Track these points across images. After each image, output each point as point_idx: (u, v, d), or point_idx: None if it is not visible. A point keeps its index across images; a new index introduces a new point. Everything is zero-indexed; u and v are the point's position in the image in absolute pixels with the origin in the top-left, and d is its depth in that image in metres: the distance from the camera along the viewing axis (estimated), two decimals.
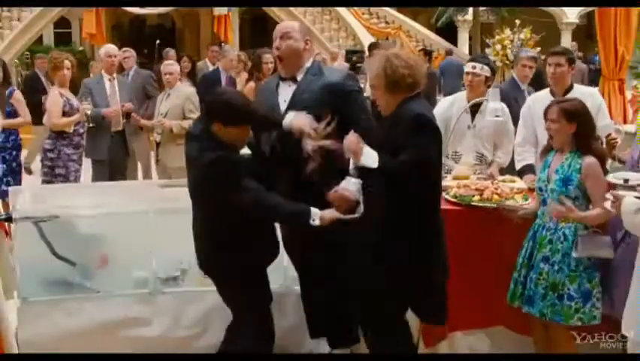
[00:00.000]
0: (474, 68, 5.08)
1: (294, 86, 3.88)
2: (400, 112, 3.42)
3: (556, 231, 3.83)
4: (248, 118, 3.53)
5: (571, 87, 4.88)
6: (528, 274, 3.90)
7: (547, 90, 4.97)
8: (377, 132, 3.61)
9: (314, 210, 3.50)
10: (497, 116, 4.85)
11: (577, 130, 3.84)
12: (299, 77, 3.89)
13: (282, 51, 3.83)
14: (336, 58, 10.96)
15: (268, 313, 3.85)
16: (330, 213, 3.51)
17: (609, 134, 4.57)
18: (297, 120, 3.64)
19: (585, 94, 4.86)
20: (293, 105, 3.80)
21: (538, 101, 4.94)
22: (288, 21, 4.12)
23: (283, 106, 3.86)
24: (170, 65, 7.22)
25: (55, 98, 6.43)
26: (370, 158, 3.33)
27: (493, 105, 4.75)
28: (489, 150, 5.18)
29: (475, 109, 5.10)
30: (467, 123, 5.12)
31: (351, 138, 3.38)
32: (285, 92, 3.90)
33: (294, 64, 3.87)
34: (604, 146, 4.33)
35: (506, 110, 5.07)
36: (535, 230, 3.94)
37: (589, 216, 3.76)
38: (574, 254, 3.77)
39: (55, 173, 6.44)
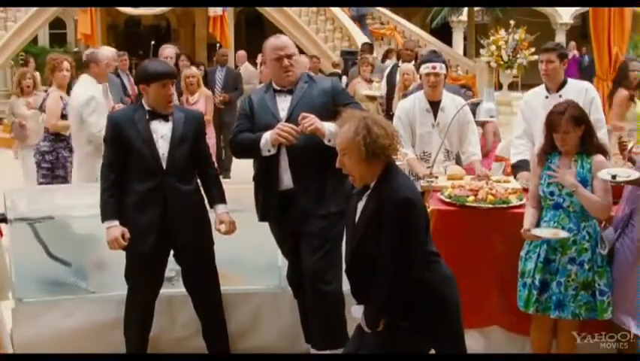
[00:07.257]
0: (434, 68, 5.12)
1: (289, 96, 4.08)
2: (385, 192, 3.06)
3: (580, 231, 3.84)
4: (156, 75, 4.00)
5: (565, 82, 4.88)
6: (547, 278, 3.87)
7: (542, 86, 4.98)
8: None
9: None
10: (492, 116, 4.87)
11: (584, 132, 3.87)
12: (294, 87, 4.09)
13: (295, 71, 4.07)
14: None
15: None
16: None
17: (620, 137, 4.61)
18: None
19: (580, 88, 4.89)
20: (294, 111, 3.98)
21: (535, 96, 4.99)
22: (282, 36, 4.23)
23: (283, 114, 4.05)
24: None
25: (55, 99, 6.38)
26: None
27: (487, 105, 4.77)
28: (454, 144, 5.25)
29: (435, 107, 5.16)
30: (431, 122, 5.18)
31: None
32: (283, 102, 4.08)
33: (296, 78, 4.10)
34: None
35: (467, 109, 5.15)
36: None
37: (589, 197, 3.78)
38: (602, 251, 3.84)
39: (55, 174, 6.42)
